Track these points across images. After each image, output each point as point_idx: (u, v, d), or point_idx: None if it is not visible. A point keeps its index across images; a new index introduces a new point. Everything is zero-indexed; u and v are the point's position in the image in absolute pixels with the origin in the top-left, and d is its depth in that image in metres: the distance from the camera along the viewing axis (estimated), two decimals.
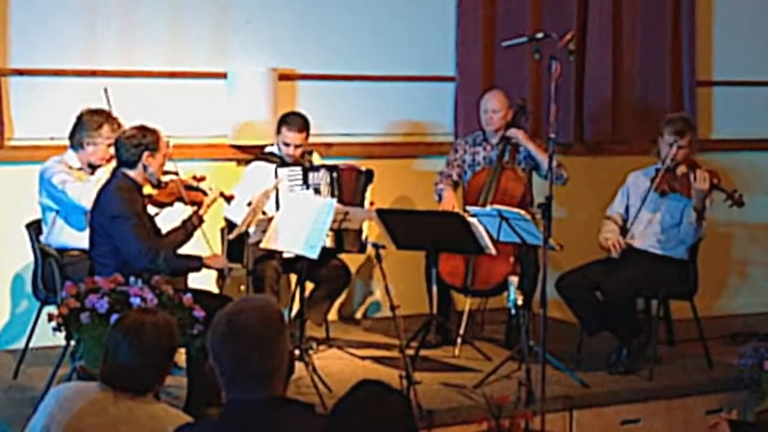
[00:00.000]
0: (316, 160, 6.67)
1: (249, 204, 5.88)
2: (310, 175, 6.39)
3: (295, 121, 6.50)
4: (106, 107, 6.04)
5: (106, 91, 6.06)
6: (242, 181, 6.46)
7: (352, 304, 7.48)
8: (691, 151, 6.34)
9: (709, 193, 6.11)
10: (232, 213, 6.27)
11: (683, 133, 6.31)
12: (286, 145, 6.48)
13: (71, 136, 5.96)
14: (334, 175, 6.42)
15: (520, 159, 6.69)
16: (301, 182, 6.36)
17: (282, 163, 6.45)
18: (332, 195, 6.32)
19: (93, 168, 5.95)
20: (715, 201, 6.31)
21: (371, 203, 6.48)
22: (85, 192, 5.76)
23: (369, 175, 6.53)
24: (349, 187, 6.46)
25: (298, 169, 6.39)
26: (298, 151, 6.50)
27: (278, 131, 6.52)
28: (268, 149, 6.62)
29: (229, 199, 5.97)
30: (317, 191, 6.34)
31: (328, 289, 6.51)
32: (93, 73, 6.64)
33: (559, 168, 6.53)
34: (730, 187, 6.33)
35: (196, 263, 5.58)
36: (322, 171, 6.43)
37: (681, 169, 6.25)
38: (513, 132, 6.67)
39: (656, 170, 6.36)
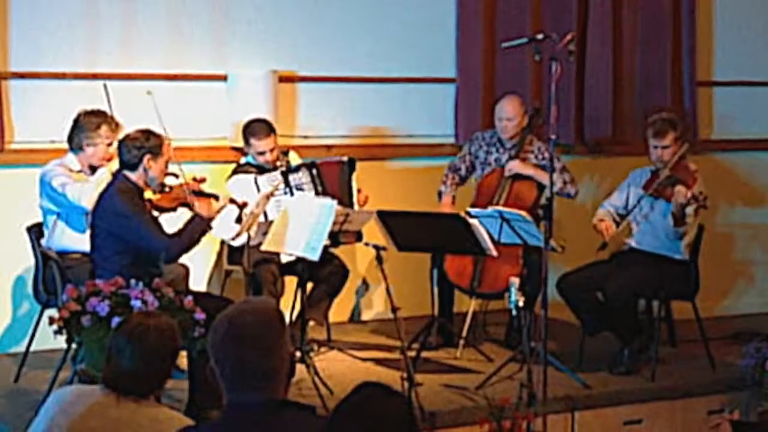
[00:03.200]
0: (294, 159, 6.64)
1: (238, 220, 5.84)
2: (291, 177, 6.37)
3: (260, 128, 6.42)
4: (104, 105, 6.04)
5: (105, 87, 6.05)
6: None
7: (353, 306, 7.48)
8: (677, 150, 6.28)
9: (687, 204, 6.05)
10: (219, 230, 6.19)
11: (663, 134, 6.27)
12: (261, 154, 6.42)
13: (70, 139, 5.96)
14: (314, 171, 6.39)
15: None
16: (283, 186, 6.33)
17: (260, 171, 6.42)
18: (317, 192, 6.31)
19: (94, 170, 5.95)
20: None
21: (359, 191, 6.46)
22: (85, 192, 5.76)
23: (351, 164, 6.47)
24: (333, 180, 6.42)
25: (277, 174, 6.37)
26: (274, 155, 6.46)
27: (247, 143, 6.46)
28: (243, 160, 6.59)
29: (242, 206, 5.94)
30: (301, 191, 6.31)
31: (326, 288, 6.50)
32: (93, 76, 6.63)
33: (566, 186, 6.54)
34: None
35: (203, 225, 5.53)
36: (302, 170, 6.40)
37: (664, 173, 6.21)
38: (511, 166, 6.62)
39: (651, 171, 6.36)
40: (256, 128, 6.43)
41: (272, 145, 6.43)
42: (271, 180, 6.32)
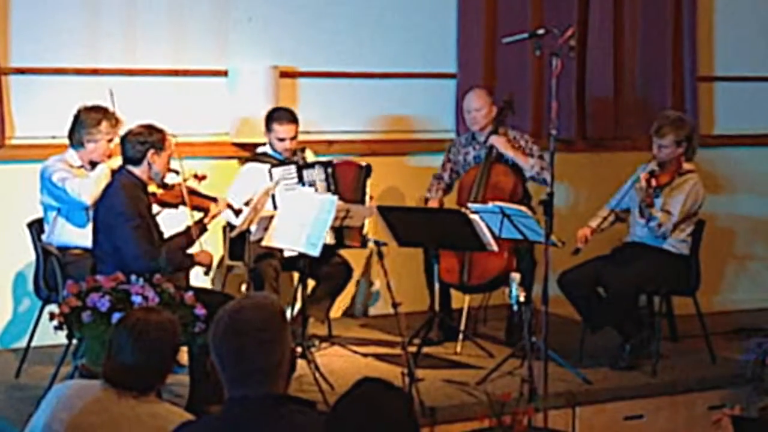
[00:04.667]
0: (310, 156, 6.66)
1: (247, 204, 5.87)
2: (305, 172, 6.38)
3: (283, 114, 6.50)
4: (106, 105, 6.03)
5: (111, 93, 6.03)
6: (237, 183, 6.44)
7: (354, 302, 7.48)
8: (675, 152, 6.27)
9: (646, 194, 6.04)
10: (230, 216, 6.24)
11: (663, 134, 6.24)
12: (281, 140, 6.46)
13: (70, 135, 5.97)
14: (329, 170, 6.40)
15: (508, 157, 6.67)
16: (296, 180, 6.35)
17: (276, 163, 6.43)
18: (328, 190, 6.31)
19: (94, 165, 5.96)
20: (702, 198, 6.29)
21: (371, 197, 6.48)
22: (84, 187, 5.76)
23: (368, 170, 6.52)
24: (349, 182, 6.45)
25: (293, 168, 6.38)
26: (293, 144, 6.49)
27: (268, 129, 6.49)
28: (260, 149, 6.61)
29: (237, 212, 5.95)
30: (313, 187, 6.33)
31: (329, 286, 6.51)
32: (94, 72, 6.64)
33: (542, 171, 6.54)
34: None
35: (188, 261, 5.61)
36: (317, 167, 6.41)
37: (651, 164, 6.21)
38: (493, 140, 6.64)
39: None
40: (280, 114, 6.51)
41: (293, 133, 6.47)
42: (286, 173, 6.33)
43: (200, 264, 5.65)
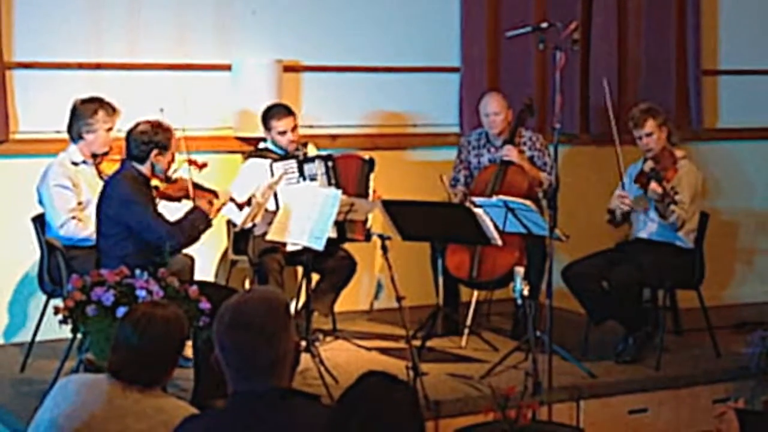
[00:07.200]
0: (312, 151, 6.65)
1: (249, 202, 5.87)
2: (306, 167, 6.38)
3: (278, 109, 6.50)
4: (109, 97, 6.03)
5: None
6: (239, 179, 6.44)
7: (358, 295, 7.47)
8: (662, 135, 6.27)
9: (664, 198, 6.00)
10: (231, 212, 6.24)
11: (642, 123, 6.26)
12: (282, 133, 6.45)
13: (69, 129, 5.99)
14: (329, 164, 6.40)
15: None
16: (297, 175, 6.35)
17: (277, 157, 6.43)
18: (329, 184, 6.31)
19: (96, 157, 5.96)
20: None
21: (374, 191, 6.48)
22: (66, 228, 5.81)
23: (371, 164, 6.52)
24: (351, 176, 6.44)
25: (293, 162, 6.38)
26: (295, 136, 6.48)
27: (267, 127, 6.49)
28: (262, 145, 6.61)
29: (241, 206, 5.95)
30: (314, 181, 6.33)
31: (333, 280, 6.51)
32: (98, 66, 6.64)
33: (550, 188, 6.50)
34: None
35: (204, 219, 5.57)
36: (317, 161, 6.41)
37: (648, 165, 6.18)
38: (508, 151, 6.62)
39: (643, 161, 6.34)
40: (275, 110, 6.50)
41: (292, 124, 6.47)
42: (287, 167, 6.33)
43: (203, 210, 5.56)
